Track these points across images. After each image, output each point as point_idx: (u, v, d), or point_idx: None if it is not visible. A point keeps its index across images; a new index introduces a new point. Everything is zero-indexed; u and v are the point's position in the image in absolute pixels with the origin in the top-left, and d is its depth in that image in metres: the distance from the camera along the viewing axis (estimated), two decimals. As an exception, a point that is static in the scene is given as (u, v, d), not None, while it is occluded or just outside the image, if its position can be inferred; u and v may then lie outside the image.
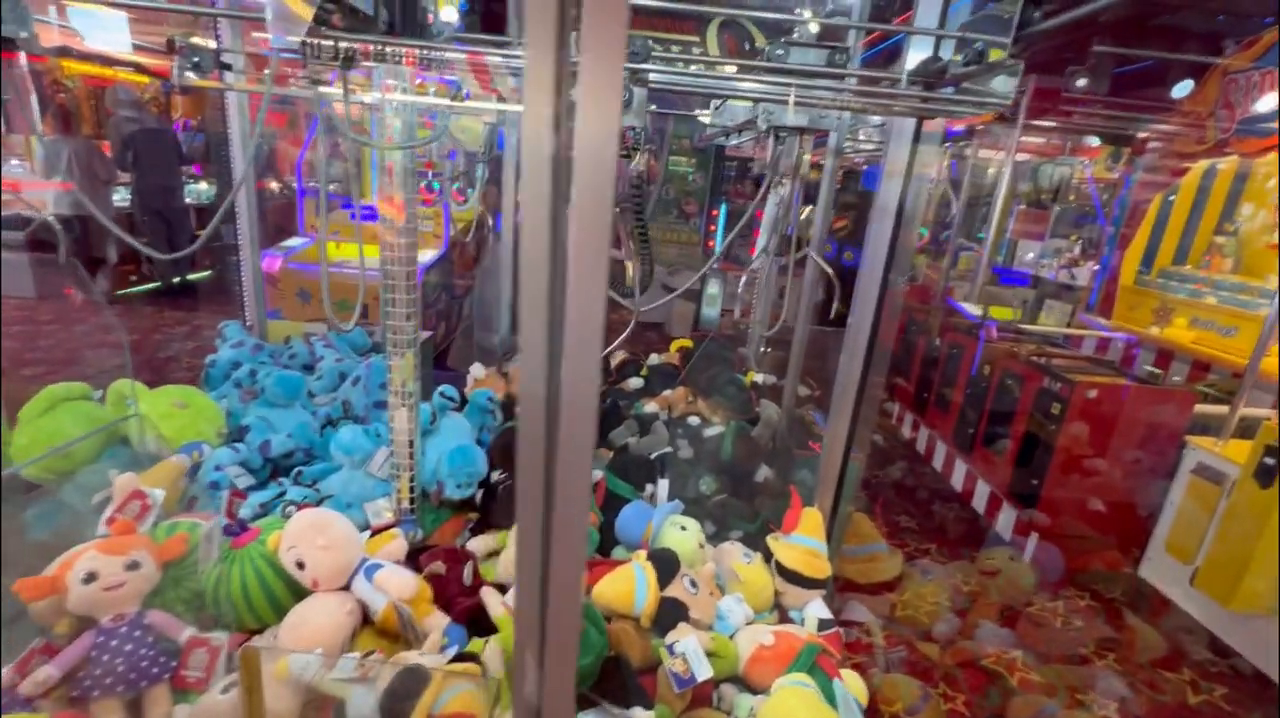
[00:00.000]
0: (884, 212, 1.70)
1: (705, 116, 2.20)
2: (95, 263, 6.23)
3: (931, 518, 3.64)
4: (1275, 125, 3.76)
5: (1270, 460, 2.45)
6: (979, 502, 3.68)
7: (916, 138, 1.65)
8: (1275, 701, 2.44)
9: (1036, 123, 4.81)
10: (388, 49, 1.30)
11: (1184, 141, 4.37)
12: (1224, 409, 2.89)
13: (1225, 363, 3.49)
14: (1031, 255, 5.96)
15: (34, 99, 1.74)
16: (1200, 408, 3.10)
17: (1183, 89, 4.02)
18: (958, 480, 3.94)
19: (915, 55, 1.44)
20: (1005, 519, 3.40)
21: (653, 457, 1.97)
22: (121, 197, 6.67)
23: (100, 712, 1.18)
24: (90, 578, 1.26)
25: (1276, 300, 2.63)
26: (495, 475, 1.79)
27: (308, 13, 1.14)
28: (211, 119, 7.21)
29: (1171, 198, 4.32)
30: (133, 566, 1.31)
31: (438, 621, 1.37)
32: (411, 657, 1.21)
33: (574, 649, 0.59)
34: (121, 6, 1.63)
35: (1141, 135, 4.74)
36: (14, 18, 1.41)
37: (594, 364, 0.51)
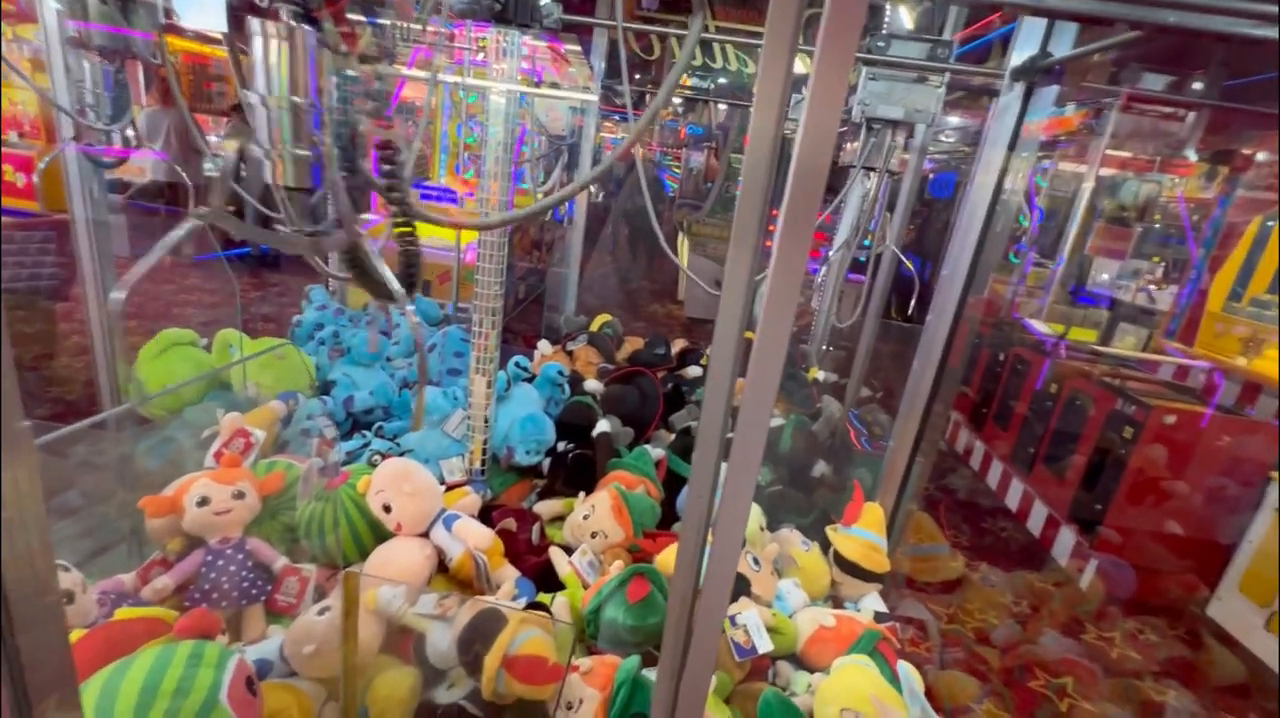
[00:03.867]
0: (970, 220, 1.66)
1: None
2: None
3: (984, 534, 3.55)
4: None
5: (1368, 503, 2.30)
6: (1035, 523, 3.57)
7: (1013, 145, 1.61)
8: (1353, 758, 2.29)
9: (1124, 134, 4.59)
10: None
11: (1291, 162, 4.08)
12: (1317, 447, 2.71)
13: (1322, 400, 3.27)
14: (1107, 276, 5.68)
15: (140, 72, 1.87)
16: (1290, 444, 2.92)
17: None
18: (1013, 499, 3.82)
19: (1020, 54, 1.42)
20: (1063, 542, 3.28)
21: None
22: (210, 167, 7.13)
23: (207, 623, 1.30)
24: (203, 502, 1.38)
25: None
26: (562, 445, 1.85)
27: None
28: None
29: (1271, 222, 4.05)
30: (239, 495, 1.43)
31: (509, 572, 1.44)
32: (488, 601, 1.28)
33: (729, 584, 0.64)
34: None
35: (1245, 151, 4.45)
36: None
37: (779, 363, 0.56)
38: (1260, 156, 4.38)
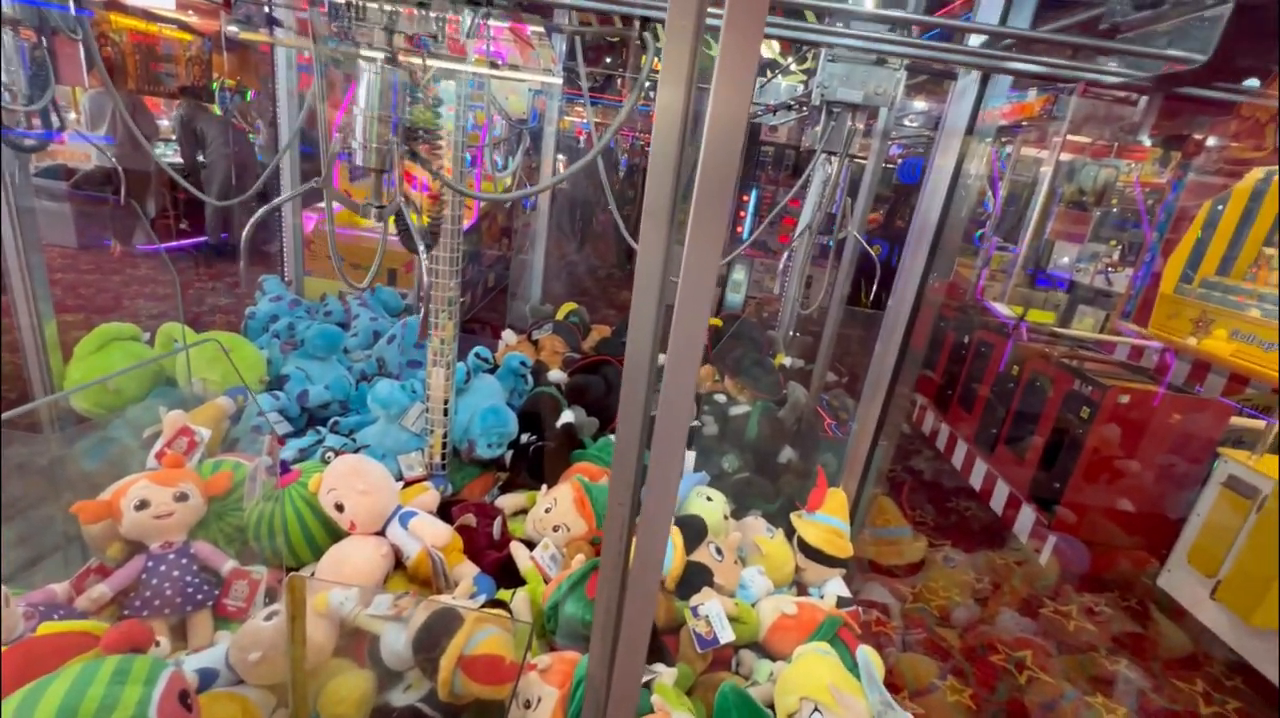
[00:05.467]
0: (930, 204, 1.66)
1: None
2: (132, 216, 6.36)
3: (948, 514, 3.62)
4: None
5: (1306, 476, 2.40)
6: (997, 502, 3.65)
7: (971, 128, 1.61)
8: (1291, 718, 2.42)
9: (1083, 118, 4.67)
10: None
11: (1240, 147, 4.21)
12: (1260, 424, 2.82)
13: (1265, 377, 3.39)
14: (1067, 259, 5.83)
15: (81, 51, 1.76)
16: (1236, 420, 3.04)
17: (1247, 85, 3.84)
18: (977, 479, 3.91)
19: (977, 35, 1.41)
20: (1024, 520, 3.37)
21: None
22: (161, 152, 6.79)
23: (149, 631, 1.24)
24: (142, 505, 1.31)
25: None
26: (525, 437, 1.82)
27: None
28: (251, 79, 7.25)
29: (1221, 206, 4.18)
30: (181, 497, 1.36)
31: (468, 569, 1.41)
32: (444, 600, 1.25)
33: (657, 571, 0.62)
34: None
35: (1196, 137, 4.58)
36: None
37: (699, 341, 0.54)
38: (1210, 142, 4.51)
